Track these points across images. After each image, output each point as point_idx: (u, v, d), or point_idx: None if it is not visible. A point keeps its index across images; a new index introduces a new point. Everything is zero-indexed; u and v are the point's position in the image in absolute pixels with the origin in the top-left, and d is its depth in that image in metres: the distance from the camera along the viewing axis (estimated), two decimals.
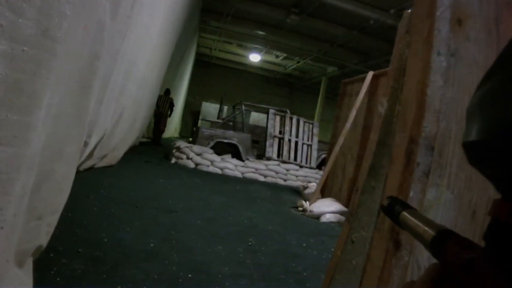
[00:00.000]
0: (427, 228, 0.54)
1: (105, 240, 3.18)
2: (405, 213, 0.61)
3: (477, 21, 1.47)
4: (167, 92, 12.92)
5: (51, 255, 2.58)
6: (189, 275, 2.84)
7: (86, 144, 3.90)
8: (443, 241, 0.50)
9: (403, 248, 1.38)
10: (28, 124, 1.56)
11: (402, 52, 1.96)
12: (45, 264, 2.44)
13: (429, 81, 1.42)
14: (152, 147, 12.57)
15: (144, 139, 12.63)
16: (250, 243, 3.96)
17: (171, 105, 13.34)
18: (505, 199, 0.43)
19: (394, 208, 0.65)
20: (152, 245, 3.33)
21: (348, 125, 6.73)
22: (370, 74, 6.70)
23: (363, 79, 6.81)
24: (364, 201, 1.96)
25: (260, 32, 17.08)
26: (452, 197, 1.40)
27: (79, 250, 2.81)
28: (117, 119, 5.29)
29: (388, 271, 1.41)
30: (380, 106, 1.98)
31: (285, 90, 28.39)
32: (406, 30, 2.08)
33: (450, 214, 1.40)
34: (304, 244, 4.33)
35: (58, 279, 2.37)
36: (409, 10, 2.00)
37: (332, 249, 3.27)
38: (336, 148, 6.86)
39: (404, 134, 1.52)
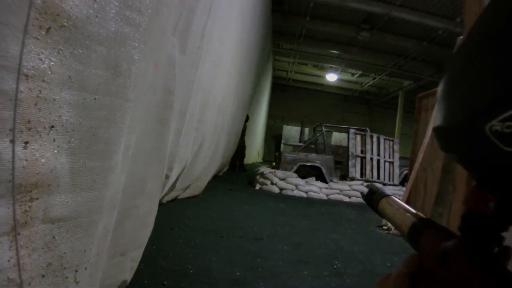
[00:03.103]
0: (406, 217, 0.54)
1: (191, 271, 3.23)
2: (384, 201, 0.61)
3: None
4: (246, 119, 13.07)
5: None
6: None
7: (167, 177, 4.04)
8: (419, 230, 0.49)
9: None
10: (106, 169, 1.63)
11: None
12: None
13: None
14: (235, 174, 12.76)
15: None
16: (335, 266, 3.86)
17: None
18: (480, 188, 0.41)
19: (373, 196, 0.64)
20: (238, 273, 3.33)
21: (426, 140, 6.44)
22: None
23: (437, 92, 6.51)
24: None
25: (333, 51, 17.03)
26: None
27: (164, 282, 2.87)
28: (198, 148, 5.43)
29: None
30: None
31: (364, 108, 27.83)
32: None
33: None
34: (389, 263, 4.15)
35: None
36: (461, 37, 1.89)
37: None
38: (417, 164, 6.57)
39: None
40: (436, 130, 0.47)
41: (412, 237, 0.51)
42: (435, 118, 0.47)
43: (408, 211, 0.55)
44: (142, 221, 2.51)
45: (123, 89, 1.64)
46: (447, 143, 0.46)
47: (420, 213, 0.53)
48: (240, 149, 13.24)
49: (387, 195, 0.62)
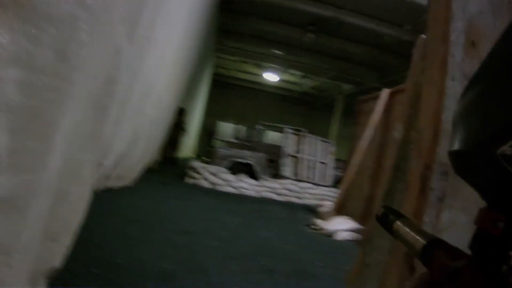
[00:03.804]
0: (418, 238, 0.55)
1: (120, 260, 3.19)
2: (398, 223, 0.62)
3: (491, 41, 1.48)
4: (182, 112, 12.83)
5: (66, 276, 2.59)
6: None
7: (102, 165, 3.94)
8: (432, 250, 0.51)
9: (418, 272, 1.37)
10: (45, 151, 1.60)
11: (417, 79, 1.96)
12: (59, 285, 2.45)
13: (444, 107, 1.43)
14: (168, 167, 12.59)
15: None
16: (265, 263, 3.94)
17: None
18: (490, 209, 0.45)
19: (388, 217, 0.65)
20: (168, 266, 3.33)
21: (364, 143, 6.70)
22: (386, 92, 6.68)
23: (379, 97, 6.80)
24: (379, 226, 1.95)
25: (277, 52, 17.12)
26: (467, 219, 1.39)
27: (94, 271, 2.83)
28: (134, 140, 5.34)
29: None
30: (396, 132, 2.00)
31: (302, 109, 28.28)
32: (421, 56, 2.09)
33: (465, 236, 1.40)
34: (320, 263, 4.29)
35: None
36: (424, 36, 2.01)
37: (345, 267, 3.23)
38: (352, 167, 6.82)
39: (419, 160, 1.52)
40: (451, 153, 0.50)
41: (424, 257, 0.52)
42: (451, 142, 0.50)
43: (421, 232, 0.57)
44: (75, 207, 2.45)
45: (69, 72, 1.61)
46: (461, 166, 0.49)
47: (432, 234, 0.55)
48: (173, 142, 13.01)
49: (403, 217, 0.64)
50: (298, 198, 9.98)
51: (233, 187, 9.64)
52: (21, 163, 1.45)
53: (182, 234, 4.50)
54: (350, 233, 5.98)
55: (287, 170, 10.59)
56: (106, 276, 2.83)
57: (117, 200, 5.51)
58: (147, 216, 5.01)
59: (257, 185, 9.89)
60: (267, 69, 21.20)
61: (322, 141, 11.24)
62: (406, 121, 2.02)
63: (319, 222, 6.55)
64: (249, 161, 10.59)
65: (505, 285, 0.41)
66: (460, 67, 1.45)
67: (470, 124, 0.46)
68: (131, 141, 5.12)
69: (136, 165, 6.60)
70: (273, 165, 11.08)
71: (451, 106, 1.42)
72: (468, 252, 0.48)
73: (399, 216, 0.64)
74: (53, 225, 2.15)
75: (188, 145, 19.34)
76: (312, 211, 8.31)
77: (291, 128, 11.26)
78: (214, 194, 8.73)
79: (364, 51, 14.51)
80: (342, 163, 10.35)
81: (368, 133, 6.73)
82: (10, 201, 1.42)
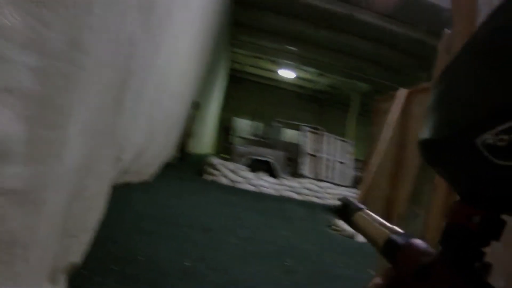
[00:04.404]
0: (380, 231, 0.53)
1: (139, 257, 3.15)
2: (358, 214, 0.61)
3: None
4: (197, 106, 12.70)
5: (85, 272, 2.55)
6: None
7: (120, 159, 3.90)
8: (396, 245, 0.49)
9: None
10: (61, 141, 1.54)
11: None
12: (78, 282, 2.41)
13: None
14: (186, 163, 12.58)
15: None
16: (286, 263, 3.87)
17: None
18: (463, 202, 0.42)
19: (347, 209, 0.64)
20: (187, 264, 3.28)
21: (382, 143, 6.60)
22: (403, 92, 6.55)
23: (396, 96, 6.67)
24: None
25: (291, 48, 17.06)
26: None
27: (113, 267, 2.78)
28: (151, 134, 5.30)
29: None
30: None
31: (316, 106, 28.13)
32: (446, 50, 2.00)
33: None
34: (341, 264, 4.22)
35: None
36: (449, 30, 1.92)
37: (367, 270, 3.14)
38: (371, 167, 6.72)
39: None
40: (422, 142, 0.47)
41: (387, 251, 0.50)
42: (422, 131, 0.47)
43: (383, 225, 0.55)
44: (93, 203, 2.40)
45: (82, 58, 1.54)
46: (433, 155, 0.46)
47: (396, 227, 0.53)
48: (185, 137, 12.92)
49: (361, 209, 0.62)
50: (318, 197, 9.89)
51: (252, 185, 9.59)
52: (36, 154, 1.38)
53: (202, 231, 4.45)
54: None
55: (306, 169, 10.50)
56: (125, 273, 2.78)
57: (136, 196, 5.49)
58: (165, 212, 4.97)
59: (276, 184, 9.83)
60: (282, 65, 21.13)
61: (341, 140, 11.13)
62: None
63: (340, 223, 6.47)
64: (268, 159, 10.52)
65: (478, 283, 0.40)
66: None
67: (446, 112, 0.43)
68: (148, 135, 5.08)
69: (154, 160, 6.56)
70: (291, 163, 11.00)
71: None
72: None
73: (359, 208, 0.63)
74: (71, 221, 2.10)
75: (205, 140, 19.36)
76: (332, 211, 8.22)
77: (309, 126, 11.15)
78: (233, 191, 8.69)
79: (379, 50, 14.45)
80: (360, 163, 10.23)
81: (386, 133, 6.61)
82: (25, 193, 1.36)
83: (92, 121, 2.05)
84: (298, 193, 9.78)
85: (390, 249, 0.49)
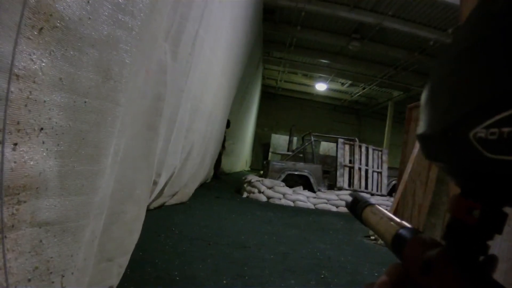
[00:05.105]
0: (389, 226, 0.53)
1: (177, 278, 3.20)
2: (368, 210, 0.61)
3: None
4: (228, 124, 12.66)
5: None
6: None
7: (155, 183, 4.01)
8: (403, 240, 0.49)
9: None
10: (95, 173, 1.61)
11: None
12: None
13: None
14: (223, 182, 12.69)
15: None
16: (323, 276, 3.85)
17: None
18: (463, 196, 0.42)
19: (357, 205, 0.65)
20: (225, 281, 3.31)
21: (415, 150, 6.50)
22: None
23: None
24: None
25: (323, 61, 17.08)
26: (509, 229, 1.31)
27: None
28: (186, 156, 5.41)
29: None
30: None
31: (353, 117, 27.91)
32: None
33: (507, 245, 1.32)
34: (376, 274, 4.16)
35: None
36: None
37: None
38: (405, 174, 6.62)
39: None
40: (419, 137, 0.47)
41: (395, 246, 0.50)
42: (419, 125, 0.47)
43: (392, 220, 0.55)
44: (130, 227, 2.48)
45: (114, 93, 1.62)
46: (430, 150, 0.46)
47: (404, 222, 0.53)
48: (218, 156, 12.97)
49: (371, 204, 0.62)
50: None
51: (290, 200, 9.55)
52: (71, 186, 1.46)
53: (238, 249, 4.48)
54: None
55: (343, 180, 10.41)
56: None
57: (172, 217, 5.58)
58: (202, 232, 5.04)
59: (313, 197, 9.77)
60: (316, 79, 21.15)
61: (375, 149, 10.99)
62: None
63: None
64: (304, 173, 10.50)
65: (482, 276, 0.39)
66: None
67: (440, 105, 0.43)
68: (183, 158, 5.19)
69: (190, 181, 6.68)
70: (328, 176, 10.93)
71: None
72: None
73: (369, 203, 0.62)
74: (109, 245, 2.19)
75: (242, 158, 19.47)
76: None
77: (344, 138, 11.09)
78: (270, 207, 8.68)
79: (409, 56, 14.35)
80: (395, 171, 10.05)
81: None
82: (62, 224, 1.44)
83: (127, 148, 2.14)
84: (335, 205, 9.69)
85: (397, 243, 0.50)
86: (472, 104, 0.37)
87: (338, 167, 10.48)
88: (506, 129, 0.33)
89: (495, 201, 0.39)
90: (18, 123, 1.16)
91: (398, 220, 0.54)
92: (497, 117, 0.34)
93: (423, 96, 0.47)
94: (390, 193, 10.51)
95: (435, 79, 0.46)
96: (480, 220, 0.39)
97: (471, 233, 0.40)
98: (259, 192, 9.71)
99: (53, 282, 1.40)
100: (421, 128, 0.46)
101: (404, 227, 0.51)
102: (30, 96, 1.18)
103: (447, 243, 0.43)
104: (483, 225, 0.39)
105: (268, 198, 9.56)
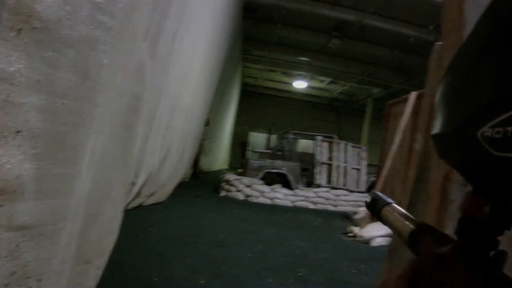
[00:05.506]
0: (406, 223, 0.55)
1: (155, 279, 3.18)
2: (386, 209, 0.63)
3: None
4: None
5: None
6: None
7: (133, 183, 3.96)
8: (419, 235, 0.51)
9: None
10: (72, 175, 1.59)
11: (434, 87, 1.90)
12: None
13: None
14: (201, 181, 12.63)
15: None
16: (301, 273, 3.88)
17: None
18: (475, 193, 0.43)
19: (376, 204, 0.66)
20: (202, 281, 3.30)
21: (394, 147, 6.57)
22: (414, 95, 6.52)
23: (407, 100, 6.65)
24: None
25: (304, 58, 17.10)
26: None
27: None
28: (165, 154, 5.36)
29: None
30: (416, 142, 1.93)
31: (333, 115, 28.05)
32: (437, 64, 2.02)
33: None
34: (355, 271, 4.21)
35: None
36: (440, 43, 1.94)
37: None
38: (384, 171, 6.69)
39: (439, 171, 1.48)
40: (434, 136, 0.49)
41: (412, 243, 0.52)
42: (434, 125, 0.49)
43: (408, 218, 0.56)
44: (107, 228, 2.45)
45: (92, 94, 1.60)
46: (443, 149, 0.48)
47: (420, 220, 0.54)
48: (199, 154, 12.93)
49: (389, 203, 0.64)
50: (333, 205, 9.83)
51: (268, 198, 9.58)
52: (48, 189, 1.44)
53: (217, 248, 4.48)
54: (386, 238, 5.84)
55: (321, 178, 10.47)
56: None
57: (150, 217, 5.55)
58: (180, 231, 5.02)
59: (291, 195, 9.81)
60: (295, 77, 21.15)
61: (354, 146, 11.07)
62: (426, 130, 1.96)
63: (355, 229, 6.44)
64: (282, 171, 10.52)
65: (493, 271, 0.40)
66: None
67: (451, 106, 0.45)
68: (161, 157, 5.14)
69: (168, 180, 6.63)
70: (306, 173, 10.98)
71: None
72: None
73: (388, 202, 0.64)
74: (86, 247, 2.16)
75: (220, 156, 19.41)
76: (347, 218, 8.19)
77: (322, 135, 11.15)
78: (249, 205, 8.70)
79: (390, 54, 14.41)
80: (374, 168, 10.16)
81: (397, 137, 6.58)
82: (39, 228, 1.41)
83: (104, 149, 2.11)
84: (313, 203, 9.75)
85: (413, 241, 0.51)
86: (479, 105, 0.39)
87: (316, 165, 10.52)
88: (510, 128, 0.35)
89: (504, 198, 0.40)
90: None
91: (413, 218, 0.56)
92: (502, 117, 0.35)
93: (437, 97, 0.49)
94: (369, 190, 10.60)
95: (446, 83, 0.47)
96: (490, 216, 0.40)
97: (482, 229, 0.41)
98: (237, 190, 9.72)
99: (30, 287, 1.38)
100: (435, 129, 0.48)
101: (419, 224, 0.53)
102: (7, 99, 1.16)
103: (459, 238, 0.44)
104: (493, 221, 0.40)
105: (247, 196, 9.57)
